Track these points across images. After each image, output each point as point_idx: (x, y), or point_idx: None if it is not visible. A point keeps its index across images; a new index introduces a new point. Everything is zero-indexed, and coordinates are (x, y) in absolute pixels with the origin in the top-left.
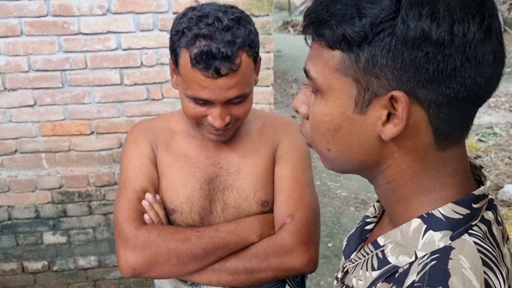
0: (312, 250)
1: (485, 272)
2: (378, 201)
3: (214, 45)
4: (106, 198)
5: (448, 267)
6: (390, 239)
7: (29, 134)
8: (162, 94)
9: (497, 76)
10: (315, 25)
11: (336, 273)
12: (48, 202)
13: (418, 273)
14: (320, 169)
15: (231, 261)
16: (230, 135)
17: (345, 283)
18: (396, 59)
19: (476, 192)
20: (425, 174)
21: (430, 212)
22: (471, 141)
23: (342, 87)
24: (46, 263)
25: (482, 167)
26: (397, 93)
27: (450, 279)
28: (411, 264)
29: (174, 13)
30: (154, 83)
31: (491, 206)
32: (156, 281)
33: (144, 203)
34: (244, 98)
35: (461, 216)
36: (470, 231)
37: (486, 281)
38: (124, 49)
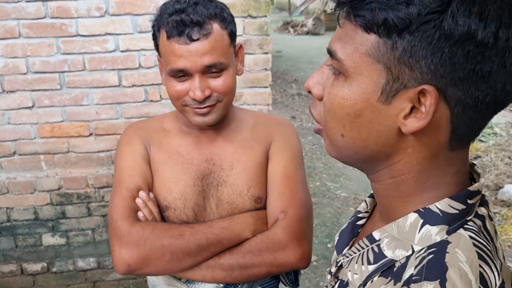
0: (305, 245)
1: (480, 266)
2: (370, 196)
3: (185, 16)
4: (105, 199)
5: (445, 260)
6: (386, 233)
7: (28, 136)
8: (161, 96)
9: None
10: (354, 4)
11: (329, 268)
12: (47, 204)
13: (415, 267)
14: (320, 169)
15: (225, 257)
16: (216, 117)
17: (339, 277)
18: (436, 53)
19: (471, 188)
20: (432, 172)
21: (427, 207)
22: None
23: (371, 73)
24: (45, 264)
25: (474, 165)
26: (428, 87)
27: (447, 272)
28: (408, 257)
29: None
30: (152, 84)
31: (484, 202)
32: (149, 279)
33: (138, 201)
34: (221, 69)
35: (457, 211)
36: (466, 225)
37: (481, 274)
38: (122, 51)
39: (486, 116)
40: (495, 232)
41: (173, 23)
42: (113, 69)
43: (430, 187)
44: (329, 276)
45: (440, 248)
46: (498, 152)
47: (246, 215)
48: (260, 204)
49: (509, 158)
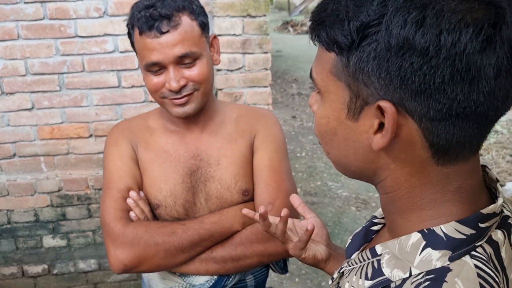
0: None
1: None
2: None
3: (153, 10)
4: None
5: None
6: (387, 249)
7: (28, 138)
8: None
9: (503, 93)
10: (315, 25)
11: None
12: (47, 206)
13: None
14: (320, 169)
15: (217, 251)
16: (195, 106)
17: (340, 285)
18: (381, 67)
19: (484, 211)
20: (425, 188)
21: (432, 228)
22: None
23: (337, 91)
24: (46, 266)
25: (498, 181)
26: (383, 103)
27: None
28: (404, 280)
29: None
30: None
31: (503, 225)
32: (144, 274)
33: (129, 201)
34: (194, 59)
35: (464, 237)
36: (473, 252)
37: None
38: (121, 52)
39: (466, 129)
40: None
41: (143, 19)
42: (112, 70)
43: (428, 204)
44: (330, 281)
45: (438, 276)
46: (499, 150)
47: (235, 209)
48: (248, 197)
49: (511, 156)
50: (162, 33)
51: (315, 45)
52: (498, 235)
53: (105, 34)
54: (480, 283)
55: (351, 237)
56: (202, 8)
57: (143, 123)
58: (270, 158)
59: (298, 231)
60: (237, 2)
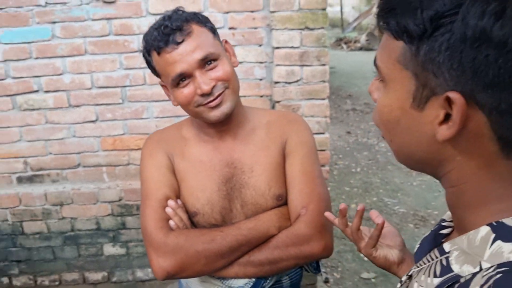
0: (327, 236)
1: None
2: None
3: (164, 28)
4: None
5: None
6: (456, 245)
7: (91, 149)
8: None
9: None
10: (384, 12)
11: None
12: (108, 215)
13: (481, 286)
14: (376, 185)
15: (255, 255)
16: (230, 104)
17: None
18: (454, 58)
19: None
20: (493, 182)
21: (501, 220)
22: None
23: (402, 80)
24: (105, 274)
25: None
26: (452, 94)
27: None
28: (474, 275)
29: (229, 28)
30: None
31: None
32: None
33: (168, 210)
34: (214, 59)
35: None
36: None
37: None
38: None
39: None
40: None
41: (158, 37)
42: None
43: (497, 198)
44: (399, 285)
45: (511, 268)
46: None
47: (270, 214)
48: (281, 201)
49: None
50: (178, 43)
51: (381, 32)
52: None
53: None
54: None
55: (419, 242)
56: (206, 17)
57: (177, 133)
58: (302, 163)
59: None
60: (295, 15)
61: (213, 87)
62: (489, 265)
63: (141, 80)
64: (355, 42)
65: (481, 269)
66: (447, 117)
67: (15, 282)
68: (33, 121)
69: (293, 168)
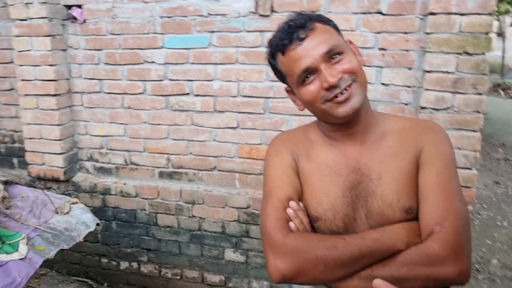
0: (464, 260)
1: None
2: None
3: (288, 28)
4: None
5: None
6: None
7: (228, 154)
8: None
9: None
10: None
11: None
12: (234, 220)
13: None
14: None
15: (378, 269)
16: (358, 99)
17: None
18: None
19: None
20: None
21: None
22: None
23: None
24: (223, 278)
25: None
26: None
27: None
28: None
29: (379, 48)
30: None
31: None
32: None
33: (289, 211)
34: (339, 52)
35: None
36: None
37: None
38: None
39: None
40: None
41: (283, 36)
42: None
43: None
44: None
45: None
46: None
47: (398, 227)
48: (411, 215)
49: None
50: (302, 39)
51: None
52: None
53: None
54: None
55: None
56: (329, 18)
57: (303, 135)
58: (439, 175)
59: None
60: (453, 38)
61: (340, 79)
62: None
63: (284, 93)
64: None
65: None
66: None
67: (143, 268)
68: (181, 121)
69: (428, 179)
